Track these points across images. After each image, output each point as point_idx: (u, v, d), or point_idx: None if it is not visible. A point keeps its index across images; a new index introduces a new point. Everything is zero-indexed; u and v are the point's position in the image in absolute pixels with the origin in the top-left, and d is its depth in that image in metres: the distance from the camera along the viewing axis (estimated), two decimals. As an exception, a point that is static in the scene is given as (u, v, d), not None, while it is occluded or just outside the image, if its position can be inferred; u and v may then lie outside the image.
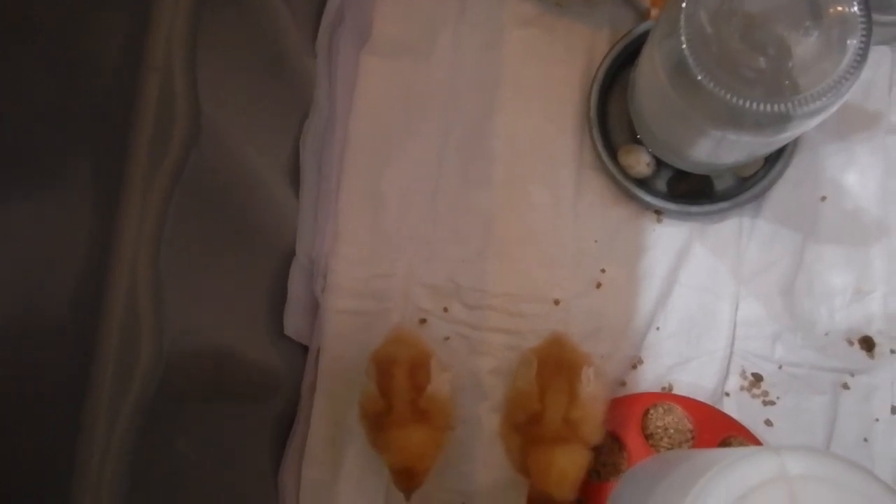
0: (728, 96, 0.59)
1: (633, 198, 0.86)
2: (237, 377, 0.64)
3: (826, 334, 0.83)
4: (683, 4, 0.61)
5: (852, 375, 0.82)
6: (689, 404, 0.79)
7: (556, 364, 0.74)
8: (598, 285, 0.86)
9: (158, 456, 0.50)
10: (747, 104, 0.59)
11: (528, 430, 0.74)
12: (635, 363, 0.84)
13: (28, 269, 0.44)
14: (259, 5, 0.60)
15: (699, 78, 0.60)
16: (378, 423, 0.75)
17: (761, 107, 0.59)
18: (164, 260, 0.48)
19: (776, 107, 0.59)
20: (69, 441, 0.45)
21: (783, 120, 0.61)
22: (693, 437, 0.77)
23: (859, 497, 0.44)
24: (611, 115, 0.88)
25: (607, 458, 0.78)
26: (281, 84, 0.70)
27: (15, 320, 0.43)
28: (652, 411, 0.79)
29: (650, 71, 0.69)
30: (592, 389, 0.73)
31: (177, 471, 0.53)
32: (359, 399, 0.78)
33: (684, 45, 0.61)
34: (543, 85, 0.90)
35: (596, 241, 0.86)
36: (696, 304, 0.84)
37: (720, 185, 0.85)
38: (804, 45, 0.61)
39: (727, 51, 0.61)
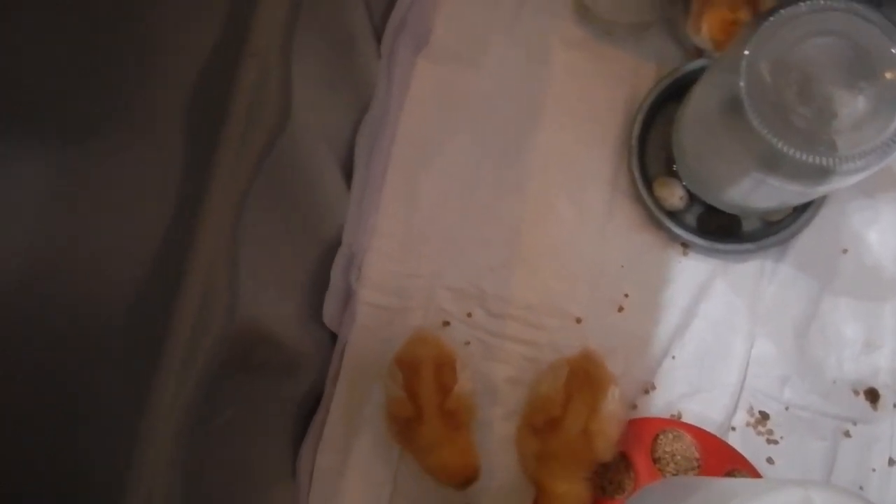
0: (776, 141, 0.62)
1: (662, 228, 0.88)
2: (272, 356, 0.66)
3: (833, 382, 0.86)
4: (746, 52, 0.64)
5: (854, 424, 0.84)
6: (698, 434, 0.81)
7: (584, 377, 0.77)
8: (620, 308, 0.88)
9: (212, 422, 0.52)
10: (793, 152, 0.62)
11: (545, 436, 0.77)
12: (647, 388, 0.86)
13: (116, 220, 0.46)
14: (346, 5, 0.62)
15: (752, 121, 0.63)
16: (408, 427, 0.77)
17: (806, 157, 0.62)
18: (240, 234, 0.50)
19: (820, 160, 0.62)
20: (138, 400, 0.47)
21: (824, 173, 0.64)
22: (699, 466, 0.80)
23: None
24: (649, 145, 0.91)
25: (614, 476, 0.81)
26: (350, 80, 0.72)
27: (98, 268, 0.44)
28: (661, 436, 0.82)
29: (702, 107, 0.72)
30: (614, 409, 0.76)
31: (224, 438, 0.55)
32: (386, 403, 0.80)
33: (742, 88, 0.63)
34: (585, 108, 0.93)
35: (622, 266, 0.89)
36: (713, 337, 0.87)
37: (748, 226, 0.88)
38: (855, 105, 0.63)
39: (781, 99, 0.63)
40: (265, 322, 0.62)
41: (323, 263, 0.77)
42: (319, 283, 0.78)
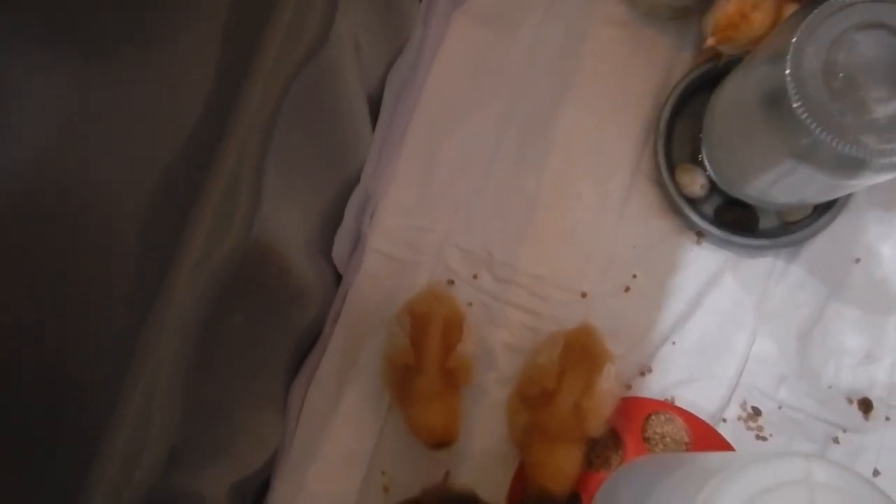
0: (816, 128, 0.62)
1: (679, 214, 0.88)
2: (281, 280, 0.66)
3: (829, 387, 0.86)
4: (794, 39, 0.64)
5: (844, 432, 0.84)
6: (690, 419, 0.81)
7: (581, 351, 0.77)
8: (627, 289, 0.88)
9: (221, 325, 0.51)
10: (831, 141, 0.62)
11: (536, 408, 0.76)
12: (644, 371, 0.86)
13: (144, 122, 0.45)
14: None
15: (795, 106, 0.62)
16: (404, 377, 0.77)
17: (844, 147, 0.62)
18: (270, 142, 0.50)
19: (857, 150, 0.62)
20: (151, 291, 0.46)
21: (857, 166, 0.64)
22: (687, 451, 0.80)
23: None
24: (677, 132, 0.90)
25: (601, 451, 0.81)
26: (389, 18, 0.71)
27: (122, 167, 0.44)
28: (653, 417, 0.81)
29: (739, 92, 0.72)
30: (609, 386, 0.76)
31: (228, 346, 0.55)
32: (386, 349, 0.80)
33: (788, 73, 0.63)
34: (616, 88, 0.92)
35: (634, 248, 0.89)
36: (715, 329, 0.86)
37: (765, 223, 0.88)
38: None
39: (826, 88, 0.63)
40: (279, 242, 0.61)
41: (339, 200, 0.77)
42: (333, 219, 0.77)
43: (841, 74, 0.63)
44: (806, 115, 0.62)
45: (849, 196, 0.86)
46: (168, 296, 0.48)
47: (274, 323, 0.69)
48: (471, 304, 0.87)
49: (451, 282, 0.88)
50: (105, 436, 0.47)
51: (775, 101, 0.66)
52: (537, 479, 0.74)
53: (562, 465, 0.75)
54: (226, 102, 0.49)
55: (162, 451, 0.49)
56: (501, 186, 0.90)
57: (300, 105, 0.53)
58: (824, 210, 0.86)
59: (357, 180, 0.79)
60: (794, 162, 0.67)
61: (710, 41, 0.80)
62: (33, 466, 0.45)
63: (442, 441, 0.77)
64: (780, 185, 0.74)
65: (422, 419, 0.76)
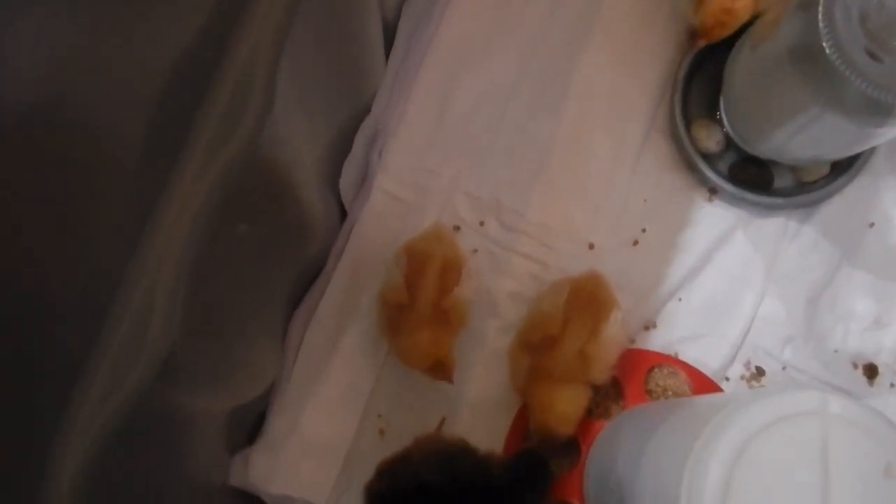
0: (848, 72, 0.60)
1: (693, 170, 0.86)
2: (286, 201, 0.64)
3: (835, 351, 0.84)
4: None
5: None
6: (694, 374, 0.80)
7: (588, 298, 0.75)
8: (635, 242, 0.86)
9: (226, 235, 0.50)
10: (862, 84, 0.60)
11: (539, 354, 0.75)
12: (648, 325, 0.85)
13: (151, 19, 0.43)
14: None
15: (827, 51, 0.61)
16: (397, 315, 0.76)
17: (874, 91, 0.60)
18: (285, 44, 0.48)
19: (888, 95, 0.60)
20: (154, 190, 0.45)
21: (886, 113, 0.62)
22: (690, 404, 0.79)
23: (884, 443, 0.45)
24: (695, 86, 0.88)
25: (602, 401, 0.80)
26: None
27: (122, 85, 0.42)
28: (657, 370, 0.80)
29: (766, 39, 0.70)
30: (614, 333, 0.74)
31: (232, 257, 0.53)
32: (380, 288, 0.78)
33: (821, 16, 0.61)
34: (637, 40, 0.90)
35: (645, 201, 0.87)
36: (724, 287, 0.85)
37: (779, 182, 0.86)
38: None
39: (859, 32, 0.61)
40: (288, 158, 0.59)
41: (349, 130, 0.76)
42: (342, 151, 0.76)
43: (873, 19, 0.62)
44: (838, 58, 0.61)
45: (867, 158, 0.85)
46: (175, 191, 0.46)
47: (277, 248, 0.67)
48: (476, 251, 0.86)
49: (457, 227, 0.86)
50: (102, 333, 0.46)
51: (805, 47, 0.64)
52: (540, 419, 0.73)
53: (566, 406, 0.73)
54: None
55: (160, 353, 0.48)
56: (514, 133, 0.88)
57: (315, 11, 0.51)
58: (842, 171, 0.84)
59: (368, 111, 0.77)
60: (821, 109, 0.65)
61: (702, 42, 0.82)
62: (28, 363, 0.44)
63: (437, 363, 0.75)
64: (802, 137, 0.72)
65: (413, 344, 0.74)
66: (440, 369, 0.75)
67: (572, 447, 0.76)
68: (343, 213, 0.84)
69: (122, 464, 0.51)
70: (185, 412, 0.60)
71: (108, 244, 0.46)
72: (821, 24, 0.62)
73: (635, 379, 0.79)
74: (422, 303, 0.75)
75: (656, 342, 0.84)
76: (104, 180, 0.44)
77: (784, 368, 0.84)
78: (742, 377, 0.84)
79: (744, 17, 0.79)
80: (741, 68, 0.78)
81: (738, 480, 0.45)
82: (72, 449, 0.47)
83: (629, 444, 0.63)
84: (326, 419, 0.81)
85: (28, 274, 0.41)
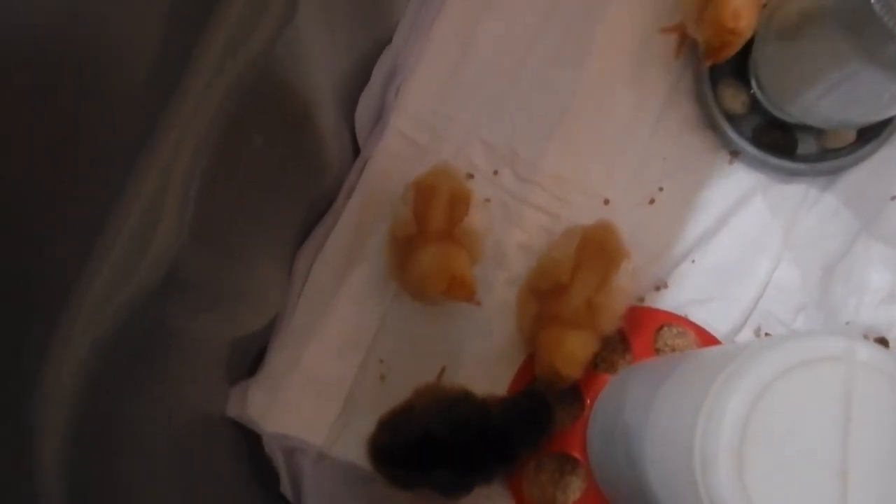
0: (891, 24, 0.58)
1: (716, 131, 0.85)
2: (303, 127, 0.62)
3: (847, 323, 0.83)
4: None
5: (857, 369, 0.82)
6: (704, 335, 0.78)
7: (599, 246, 0.74)
8: (652, 201, 0.85)
9: (239, 143, 0.48)
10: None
11: (547, 301, 0.74)
12: (660, 285, 0.83)
13: None
14: None
15: (874, 3, 0.59)
16: (406, 249, 0.74)
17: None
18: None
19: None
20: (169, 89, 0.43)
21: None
22: (698, 364, 0.77)
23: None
24: (723, 45, 0.86)
25: (608, 356, 0.78)
26: None
27: None
28: (666, 329, 0.79)
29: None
30: (624, 283, 0.73)
31: (251, 163, 0.51)
32: (390, 226, 0.77)
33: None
34: (665, -2, 0.88)
35: (664, 160, 0.85)
36: (738, 251, 0.83)
37: (803, 148, 0.84)
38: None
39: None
40: (307, 75, 0.57)
41: (368, 61, 0.73)
42: (359, 81, 0.73)
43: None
44: (884, 11, 0.59)
45: (894, 129, 0.83)
46: (190, 91, 0.44)
47: (291, 171, 0.65)
48: (488, 200, 0.84)
49: (470, 175, 0.85)
50: (105, 235, 0.44)
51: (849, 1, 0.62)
52: (547, 360, 0.71)
53: (574, 346, 0.71)
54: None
55: (164, 262, 0.46)
56: (535, 81, 0.86)
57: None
58: (868, 139, 0.82)
59: (389, 41, 0.75)
60: (860, 65, 0.63)
61: (708, 63, 0.79)
62: (25, 267, 0.43)
63: (454, 281, 0.70)
64: (833, 96, 0.71)
65: (425, 266, 0.71)
66: (459, 288, 0.70)
67: (576, 399, 0.75)
68: (357, 151, 0.82)
69: (117, 378, 0.49)
70: (186, 335, 0.59)
71: (120, 148, 0.44)
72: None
73: (644, 337, 0.77)
74: (431, 230, 0.73)
75: (666, 303, 0.83)
76: (117, 85, 0.43)
77: (794, 337, 0.82)
78: (751, 343, 0.82)
79: (748, 33, 0.75)
80: (777, 24, 0.76)
81: (756, 424, 0.44)
82: (69, 353, 0.46)
83: (638, 393, 0.62)
84: (328, 358, 0.80)
85: (36, 174, 0.40)
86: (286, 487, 0.74)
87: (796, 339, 0.46)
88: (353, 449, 0.75)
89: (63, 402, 0.47)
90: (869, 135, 0.82)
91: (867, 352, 0.44)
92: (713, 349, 0.55)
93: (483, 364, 0.81)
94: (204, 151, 0.46)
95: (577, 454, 0.74)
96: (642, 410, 0.57)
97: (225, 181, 0.51)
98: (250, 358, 0.76)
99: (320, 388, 0.79)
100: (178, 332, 0.58)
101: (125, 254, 0.44)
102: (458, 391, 0.73)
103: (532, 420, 0.70)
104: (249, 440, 0.74)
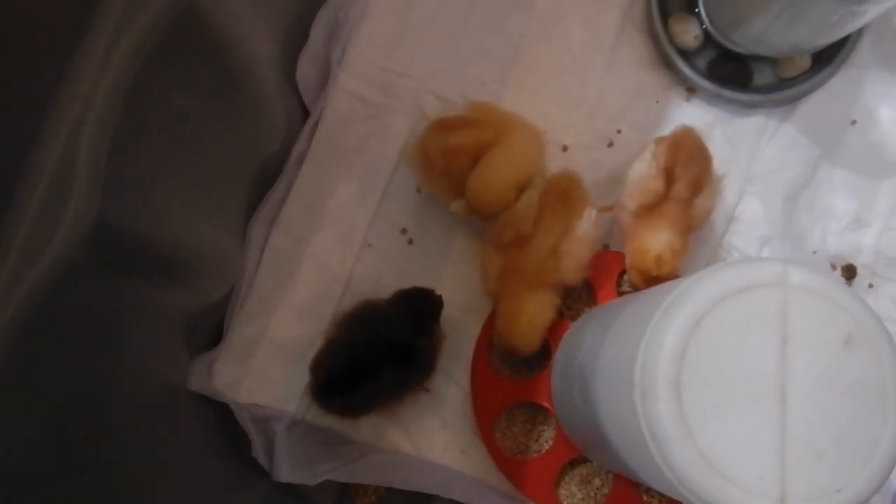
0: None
1: (670, 67, 0.83)
2: (232, 86, 0.60)
3: (813, 252, 0.83)
4: None
5: (825, 297, 0.82)
6: (667, 274, 0.78)
7: (561, 195, 0.73)
8: (610, 143, 0.84)
9: (157, 97, 0.47)
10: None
11: (511, 253, 0.73)
12: (622, 228, 0.82)
13: None
14: None
15: None
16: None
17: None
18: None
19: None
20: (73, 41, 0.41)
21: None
22: (661, 304, 0.77)
23: (846, 314, 0.43)
24: (672, -21, 0.84)
25: (574, 304, 0.78)
26: None
27: None
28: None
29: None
30: (587, 230, 0.72)
31: (174, 124, 0.50)
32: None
33: None
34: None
35: (621, 100, 0.84)
36: (700, 187, 0.82)
37: (759, 80, 0.83)
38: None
39: None
40: (231, 26, 0.55)
41: (304, 25, 0.71)
42: (298, 39, 0.71)
43: None
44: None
45: (850, 51, 0.81)
46: (95, 45, 0.42)
47: (228, 132, 0.64)
48: (445, 154, 0.83)
49: (426, 131, 0.83)
50: (14, 198, 0.42)
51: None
52: (504, 332, 0.72)
53: (532, 318, 0.71)
54: None
55: (83, 224, 0.45)
56: (485, 28, 0.84)
57: None
58: (823, 65, 0.81)
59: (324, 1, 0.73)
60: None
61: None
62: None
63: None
64: (781, 21, 0.69)
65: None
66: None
67: (544, 350, 0.75)
68: (304, 115, 0.81)
69: (53, 344, 0.48)
70: (136, 307, 0.58)
71: (24, 100, 0.42)
72: None
73: (608, 281, 0.77)
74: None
75: (631, 245, 0.82)
76: (14, 31, 0.41)
77: (760, 269, 0.82)
78: (717, 279, 0.82)
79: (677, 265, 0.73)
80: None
81: (693, 354, 0.44)
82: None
83: (593, 331, 0.62)
84: (296, 325, 0.79)
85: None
86: (258, 451, 0.74)
87: (730, 267, 0.45)
88: (328, 413, 0.75)
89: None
90: (823, 61, 0.81)
91: (801, 275, 0.44)
92: (660, 286, 0.55)
93: (450, 319, 0.81)
94: (114, 105, 0.44)
95: (546, 404, 0.74)
96: (596, 349, 0.57)
97: (144, 142, 0.49)
98: (209, 329, 0.76)
99: (290, 355, 0.79)
100: (129, 305, 0.57)
101: (35, 226, 0.43)
102: (360, 305, 0.74)
103: (420, 318, 0.73)
104: (217, 408, 0.74)
